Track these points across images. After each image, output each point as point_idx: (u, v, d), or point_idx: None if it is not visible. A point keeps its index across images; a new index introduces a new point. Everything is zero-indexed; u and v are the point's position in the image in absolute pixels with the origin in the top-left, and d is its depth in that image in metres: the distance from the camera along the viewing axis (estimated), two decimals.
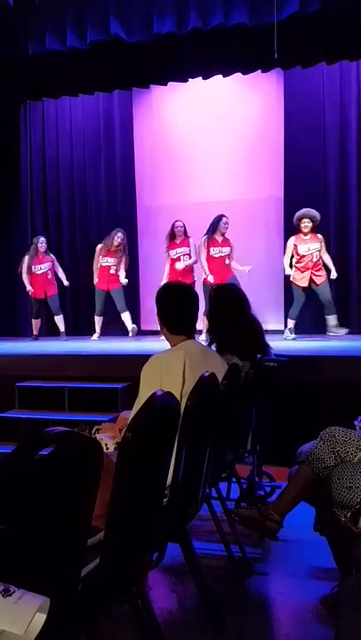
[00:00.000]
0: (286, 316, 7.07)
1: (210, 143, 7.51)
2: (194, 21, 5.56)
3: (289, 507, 2.32)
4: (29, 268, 7.11)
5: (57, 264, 7.32)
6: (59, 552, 1.11)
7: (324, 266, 6.27)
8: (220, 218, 6.44)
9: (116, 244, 6.87)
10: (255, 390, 2.92)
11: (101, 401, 4.57)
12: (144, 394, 2.17)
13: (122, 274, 6.93)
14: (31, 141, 8.22)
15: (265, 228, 6.95)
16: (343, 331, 6.22)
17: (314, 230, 6.29)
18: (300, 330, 6.84)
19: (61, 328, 7.20)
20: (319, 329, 6.55)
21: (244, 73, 6.61)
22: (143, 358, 2.35)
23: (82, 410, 4.56)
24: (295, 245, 6.28)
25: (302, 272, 6.26)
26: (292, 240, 6.35)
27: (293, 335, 6.33)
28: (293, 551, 2.85)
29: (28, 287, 7.12)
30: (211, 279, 6.31)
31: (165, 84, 6.99)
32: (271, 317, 6.52)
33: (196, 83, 6.87)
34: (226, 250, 6.45)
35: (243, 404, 2.72)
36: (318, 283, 6.24)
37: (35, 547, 1.08)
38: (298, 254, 6.26)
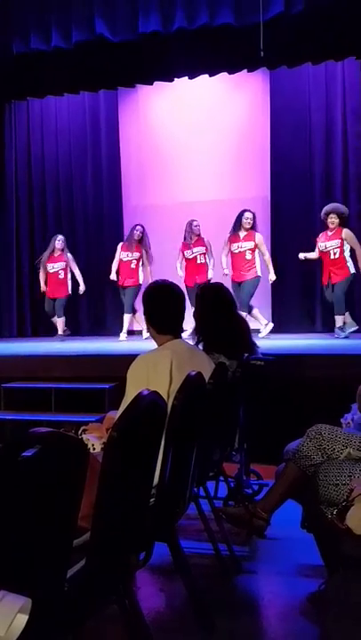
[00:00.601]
0: (273, 315, 7.12)
1: (196, 143, 7.52)
2: (179, 21, 5.56)
3: (276, 504, 2.33)
4: (44, 266, 7.04)
5: (73, 264, 7.13)
6: (44, 553, 1.10)
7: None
8: (242, 213, 6.44)
9: (137, 237, 6.84)
10: (242, 389, 2.93)
11: (88, 401, 4.55)
12: (130, 393, 2.16)
13: (143, 269, 6.88)
14: (16, 141, 8.18)
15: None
16: (345, 333, 6.06)
17: (342, 225, 6.16)
18: (286, 328, 6.87)
19: (60, 330, 7.10)
20: (305, 327, 6.60)
21: (230, 72, 6.62)
22: (130, 358, 2.35)
23: (69, 410, 4.53)
24: (317, 242, 6.21)
25: (324, 269, 6.18)
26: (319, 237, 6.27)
27: (344, 334, 6.05)
28: (281, 549, 2.86)
29: (43, 287, 7.05)
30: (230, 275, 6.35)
31: (151, 84, 6.99)
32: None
33: (182, 82, 6.87)
34: (246, 245, 6.41)
35: (230, 402, 2.73)
36: (334, 281, 6.13)
37: (20, 547, 1.08)
38: (319, 251, 6.18)
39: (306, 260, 6.32)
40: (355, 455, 2.21)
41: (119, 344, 6.39)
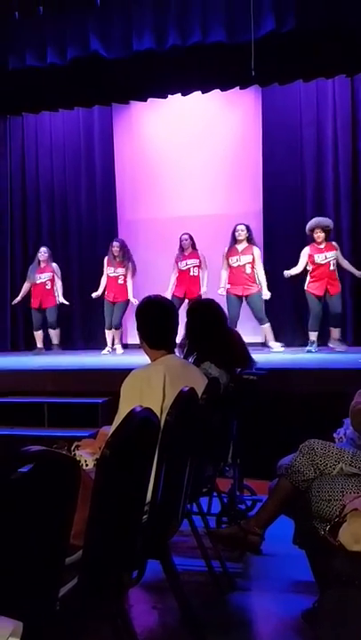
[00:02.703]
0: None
1: (190, 158, 7.58)
2: (173, 39, 5.63)
3: (269, 520, 2.33)
4: (33, 277, 7.09)
5: (56, 277, 7.19)
6: (36, 572, 1.10)
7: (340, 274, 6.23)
8: (235, 227, 6.48)
9: (115, 253, 6.90)
10: (235, 403, 2.93)
11: (82, 416, 4.53)
12: (124, 409, 2.16)
13: (129, 283, 6.93)
14: (11, 156, 8.22)
15: None
16: (344, 347, 6.11)
17: (327, 239, 6.22)
18: (279, 342, 6.87)
19: (55, 341, 7.13)
20: (298, 341, 6.62)
21: (223, 89, 6.70)
22: (124, 373, 2.35)
23: (62, 425, 4.51)
24: (310, 255, 6.19)
25: (318, 281, 6.18)
26: (306, 250, 6.22)
27: (316, 349, 6.15)
28: (274, 565, 2.85)
29: (18, 298, 7.13)
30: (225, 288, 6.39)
31: (145, 100, 7.05)
32: (251, 330, 6.53)
33: (176, 99, 6.94)
34: (245, 258, 6.42)
35: (223, 417, 2.73)
36: (333, 293, 6.16)
37: (12, 567, 1.07)
38: (313, 264, 6.17)
39: (291, 277, 6.33)
40: (347, 471, 2.22)
41: (113, 358, 6.38)
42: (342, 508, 2.02)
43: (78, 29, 5.83)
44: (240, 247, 6.45)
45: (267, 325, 6.42)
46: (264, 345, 6.41)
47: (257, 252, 6.48)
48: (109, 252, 7.00)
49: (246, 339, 3.56)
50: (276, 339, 6.54)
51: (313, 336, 6.22)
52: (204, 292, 6.62)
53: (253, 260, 6.42)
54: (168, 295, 6.36)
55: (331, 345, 6.21)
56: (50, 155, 8.16)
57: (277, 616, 2.43)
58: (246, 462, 3.37)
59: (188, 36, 5.61)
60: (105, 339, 7.04)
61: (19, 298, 7.20)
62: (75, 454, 2.42)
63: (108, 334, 6.99)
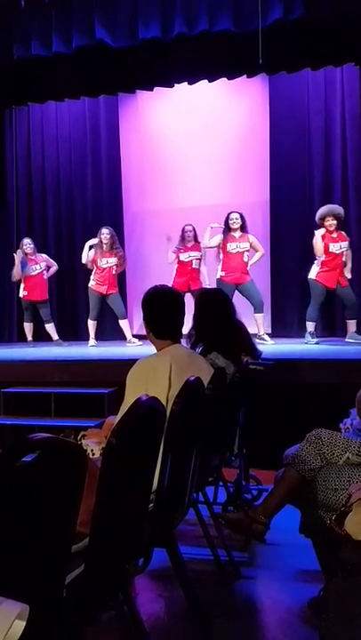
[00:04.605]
0: (273, 320, 7.12)
1: (196, 148, 7.54)
2: (179, 27, 5.58)
3: (275, 509, 2.33)
4: (29, 269, 6.94)
5: (51, 261, 7.15)
6: (43, 559, 1.10)
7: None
8: (228, 215, 6.41)
9: (105, 241, 6.72)
10: (242, 394, 2.93)
11: (88, 406, 4.55)
12: (129, 399, 2.16)
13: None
14: (17, 145, 8.20)
15: (252, 232, 6.95)
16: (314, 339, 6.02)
17: (339, 228, 6.08)
18: (285, 333, 6.86)
19: (54, 336, 7.05)
20: (305, 332, 6.60)
21: (230, 78, 6.65)
22: (129, 363, 2.35)
23: (68, 415, 4.54)
24: (326, 244, 5.99)
25: (330, 271, 6.00)
26: (319, 237, 5.99)
27: (315, 339, 6.02)
28: (280, 554, 2.86)
29: (22, 292, 7.04)
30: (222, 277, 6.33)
31: (151, 90, 7.01)
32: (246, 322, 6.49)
33: (182, 88, 6.89)
34: (243, 245, 6.33)
35: (229, 407, 2.73)
36: (345, 284, 6.03)
37: (19, 553, 1.08)
38: (328, 253, 5.98)
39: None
40: (354, 460, 2.21)
41: (117, 349, 6.38)
42: (349, 498, 2.02)
43: (84, 18, 5.79)
44: (236, 235, 6.39)
45: (262, 315, 6.33)
46: (260, 337, 6.19)
47: (253, 239, 6.43)
48: (99, 240, 6.74)
49: None
50: (283, 329, 6.52)
51: (312, 327, 6.10)
52: (207, 284, 6.58)
53: (250, 247, 6.37)
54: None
55: (350, 340, 6.00)
56: (55, 145, 8.14)
57: (283, 605, 2.44)
58: (252, 452, 3.37)
59: (195, 24, 5.56)
60: (116, 331, 6.92)
61: (23, 291, 7.09)
62: (81, 443, 2.42)
63: (91, 326, 6.80)
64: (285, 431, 2.86)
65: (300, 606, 2.34)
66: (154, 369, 2.27)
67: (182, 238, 6.69)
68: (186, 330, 2.84)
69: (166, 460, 1.76)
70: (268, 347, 5.69)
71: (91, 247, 6.82)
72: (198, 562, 2.66)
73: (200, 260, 6.69)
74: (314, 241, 6.07)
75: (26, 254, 6.99)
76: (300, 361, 4.84)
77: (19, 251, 7.03)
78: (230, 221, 6.37)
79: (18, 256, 6.98)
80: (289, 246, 7.01)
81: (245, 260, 6.36)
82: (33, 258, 7.03)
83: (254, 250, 6.42)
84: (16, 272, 6.96)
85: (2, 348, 6.97)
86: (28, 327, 7.14)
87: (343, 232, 6.17)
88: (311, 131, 7.19)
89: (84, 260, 6.87)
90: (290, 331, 6.91)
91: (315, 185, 7.18)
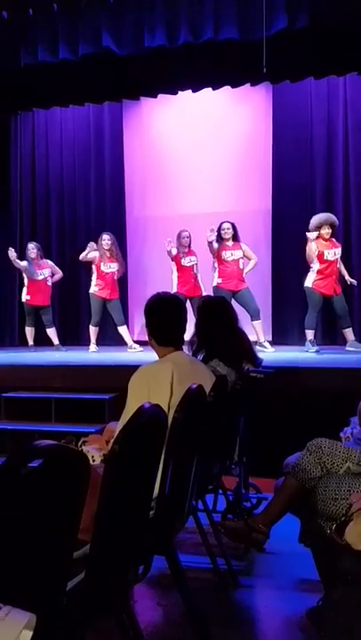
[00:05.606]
0: (274, 328, 7.12)
1: (199, 155, 7.57)
2: (184, 36, 5.62)
3: (275, 518, 2.33)
4: (35, 273, 6.94)
5: (56, 268, 7.16)
6: (45, 566, 1.10)
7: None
8: (220, 225, 6.42)
9: (106, 247, 6.73)
10: (242, 401, 2.94)
11: (88, 412, 4.55)
12: (132, 405, 2.17)
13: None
14: (21, 151, 8.24)
15: (253, 241, 6.99)
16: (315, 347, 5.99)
17: (332, 236, 6.12)
18: (286, 341, 6.86)
19: (55, 341, 7.05)
20: (306, 340, 6.60)
21: (234, 86, 6.68)
22: (131, 369, 2.35)
23: (69, 421, 4.54)
24: (320, 252, 6.01)
25: (326, 278, 6.03)
26: (313, 245, 6.02)
27: (316, 347, 5.97)
28: (279, 563, 2.85)
29: (26, 296, 7.03)
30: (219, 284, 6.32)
31: (155, 97, 7.05)
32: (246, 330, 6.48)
33: (186, 95, 6.93)
34: (237, 253, 6.35)
35: (230, 415, 2.73)
36: (339, 292, 6.05)
37: (21, 560, 1.08)
38: (323, 260, 6.01)
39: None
40: (354, 470, 2.22)
41: (118, 355, 6.38)
42: (349, 507, 2.02)
43: (90, 25, 5.83)
44: (229, 244, 6.40)
45: (260, 322, 6.33)
46: (261, 345, 6.19)
47: (245, 247, 6.44)
48: (99, 246, 6.73)
49: None
50: (284, 337, 6.51)
51: (311, 334, 6.09)
52: (203, 291, 6.59)
53: (243, 255, 6.38)
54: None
55: (350, 348, 5.99)
56: (60, 150, 8.18)
57: (282, 614, 2.43)
58: (252, 460, 3.37)
59: (200, 32, 5.60)
60: (118, 336, 6.92)
61: (26, 295, 7.09)
62: (81, 449, 2.43)
63: (93, 332, 6.82)
64: (286, 439, 2.85)
65: (299, 616, 2.33)
66: (155, 376, 2.27)
67: (180, 244, 6.69)
68: (188, 337, 2.85)
69: (167, 468, 1.76)
70: (269, 354, 5.69)
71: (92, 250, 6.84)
72: (197, 570, 2.66)
73: (196, 264, 6.69)
74: (307, 249, 6.08)
75: (31, 259, 7.00)
76: (300, 369, 4.84)
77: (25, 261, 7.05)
78: (222, 231, 6.39)
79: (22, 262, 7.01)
80: (290, 254, 7.02)
81: (241, 267, 6.38)
82: (38, 263, 7.04)
83: (247, 258, 6.44)
84: (16, 264, 6.95)
85: (3, 352, 6.97)
86: (29, 332, 7.15)
87: (334, 239, 6.18)
88: (314, 140, 7.22)
89: (81, 257, 6.86)
90: (290, 338, 6.92)
91: (316, 194, 7.21)
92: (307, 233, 6.14)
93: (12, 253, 6.86)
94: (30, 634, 0.96)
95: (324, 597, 2.20)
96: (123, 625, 1.65)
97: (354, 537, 1.91)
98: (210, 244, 6.29)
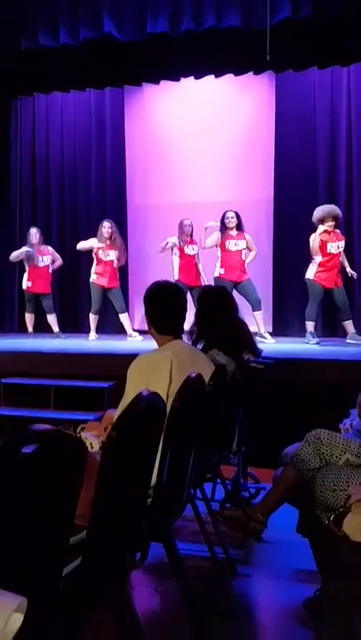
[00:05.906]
0: (274, 319, 7.11)
1: (201, 143, 7.52)
2: (187, 23, 5.57)
3: (273, 508, 2.33)
4: (35, 259, 6.87)
5: (56, 255, 7.11)
6: (41, 551, 1.10)
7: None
8: (224, 214, 6.36)
9: (106, 235, 6.67)
10: (241, 392, 2.93)
11: (87, 399, 4.55)
12: (130, 393, 2.16)
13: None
14: (21, 136, 8.17)
15: (255, 230, 6.95)
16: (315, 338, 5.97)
17: (336, 227, 6.07)
18: (286, 332, 6.85)
19: (55, 328, 7.02)
20: (306, 331, 6.59)
21: (237, 74, 6.63)
22: (130, 357, 2.34)
23: (67, 408, 4.54)
24: (323, 243, 5.94)
25: (328, 271, 5.97)
26: (317, 237, 5.94)
27: (316, 339, 5.94)
28: (277, 553, 2.86)
29: (27, 283, 6.98)
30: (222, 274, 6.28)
31: (158, 83, 7.00)
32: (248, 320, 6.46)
33: (189, 82, 6.87)
34: (240, 243, 6.29)
35: (229, 405, 2.72)
36: (340, 285, 6.02)
37: (17, 545, 1.07)
38: (326, 253, 5.96)
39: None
40: (353, 461, 2.21)
41: (118, 343, 6.37)
42: (347, 499, 2.02)
43: (92, 10, 5.78)
44: (233, 233, 6.35)
45: (261, 313, 6.31)
46: (261, 336, 6.15)
47: (248, 237, 6.40)
48: (98, 233, 6.68)
49: None
50: (284, 328, 6.50)
51: (311, 326, 6.06)
52: (203, 280, 6.58)
53: (247, 245, 6.34)
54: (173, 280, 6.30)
55: (350, 340, 5.97)
56: (60, 136, 8.11)
57: (279, 604, 2.44)
58: (251, 450, 3.37)
59: (203, 19, 5.56)
60: (118, 325, 6.88)
61: (27, 282, 7.06)
62: (80, 436, 2.42)
63: (93, 320, 6.77)
64: (284, 430, 2.85)
65: (296, 606, 2.33)
66: (155, 364, 2.26)
67: (182, 232, 6.65)
68: (187, 326, 2.84)
69: (165, 456, 1.75)
70: (269, 345, 5.68)
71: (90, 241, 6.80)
72: (195, 558, 2.66)
73: (198, 254, 6.67)
74: (311, 240, 6.04)
75: (33, 244, 6.94)
76: (300, 360, 4.83)
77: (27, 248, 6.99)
78: (226, 220, 6.33)
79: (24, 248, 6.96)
80: (292, 245, 6.99)
81: (243, 258, 6.34)
82: (39, 249, 6.99)
83: (248, 249, 6.40)
84: (15, 255, 6.91)
85: (2, 338, 6.96)
86: (29, 318, 7.12)
87: (338, 231, 6.15)
88: (317, 130, 7.16)
89: (78, 247, 6.82)
90: (291, 330, 6.90)
91: (319, 184, 7.16)
92: (318, 224, 6.06)
93: (12, 256, 6.89)
94: (21, 617, 0.95)
95: (322, 588, 2.20)
96: (119, 611, 1.65)
97: (352, 528, 1.91)
98: (206, 229, 6.25)
